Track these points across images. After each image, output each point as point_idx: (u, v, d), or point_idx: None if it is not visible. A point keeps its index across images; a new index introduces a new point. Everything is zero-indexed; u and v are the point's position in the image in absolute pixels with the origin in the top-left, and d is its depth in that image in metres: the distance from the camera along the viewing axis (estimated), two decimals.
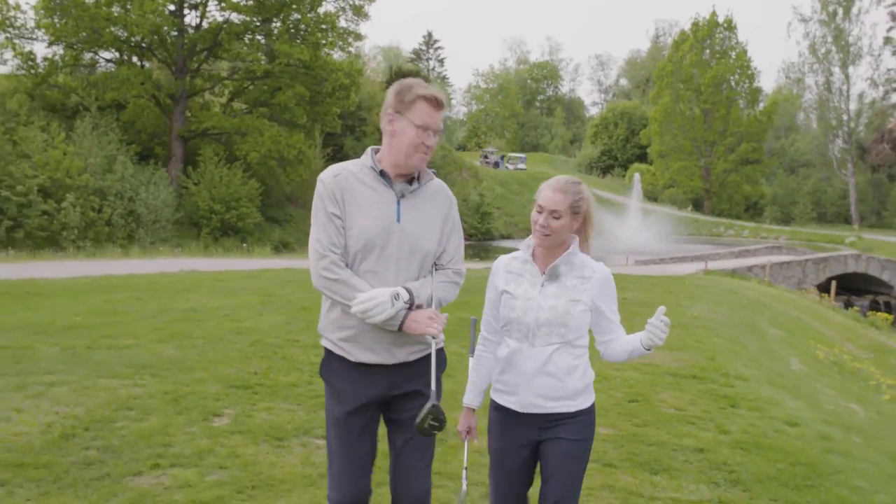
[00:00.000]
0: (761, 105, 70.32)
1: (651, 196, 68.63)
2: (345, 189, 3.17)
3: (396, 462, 3.32)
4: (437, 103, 3.18)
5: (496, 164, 67.02)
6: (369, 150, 3.30)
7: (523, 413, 3.28)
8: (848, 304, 24.27)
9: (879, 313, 21.60)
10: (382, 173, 3.20)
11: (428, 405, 3.02)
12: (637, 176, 64.15)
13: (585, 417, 3.29)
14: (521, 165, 68.24)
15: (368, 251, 3.14)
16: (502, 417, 3.34)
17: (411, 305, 3.12)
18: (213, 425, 5.62)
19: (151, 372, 6.82)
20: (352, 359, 3.20)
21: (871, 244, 44.64)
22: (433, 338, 3.12)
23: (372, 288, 3.08)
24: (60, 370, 6.66)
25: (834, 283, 24.74)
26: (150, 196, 29.45)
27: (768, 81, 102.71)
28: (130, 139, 32.59)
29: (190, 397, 6.10)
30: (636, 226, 45.47)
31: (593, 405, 3.35)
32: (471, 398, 3.47)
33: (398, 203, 3.20)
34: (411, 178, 3.25)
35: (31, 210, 26.12)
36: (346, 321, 3.17)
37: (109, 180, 28.96)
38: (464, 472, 3.62)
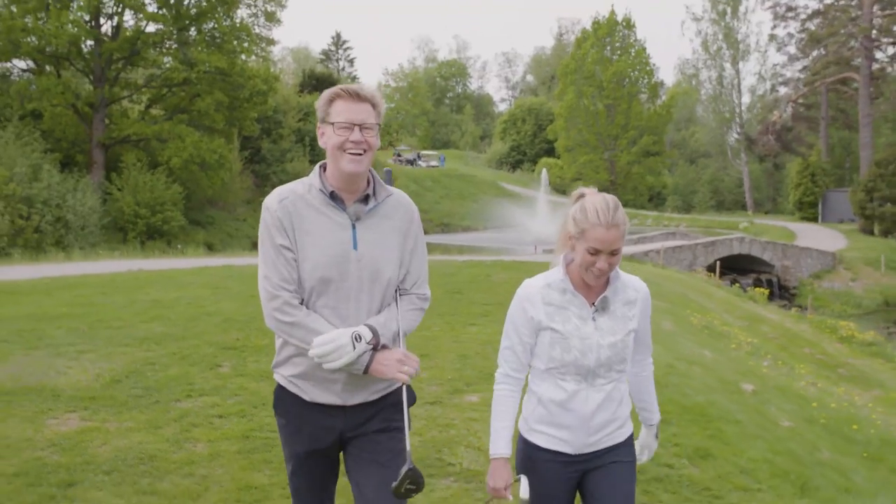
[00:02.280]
0: (662, 99, 73.73)
1: (560, 189, 71.31)
2: (293, 215, 2.88)
3: None
4: (353, 96, 2.89)
5: (410, 162, 68.69)
6: (317, 167, 3.01)
7: (575, 454, 3.06)
8: (734, 282, 26.83)
9: (759, 289, 24.18)
10: (333, 195, 2.92)
11: (404, 469, 2.73)
12: (544, 170, 66.63)
13: (631, 440, 3.17)
14: (434, 163, 69.92)
15: (325, 285, 2.88)
16: (547, 458, 3.06)
17: (376, 346, 2.85)
18: (220, 371, 7.34)
19: (153, 342, 8.44)
20: (306, 397, 2.96)
21: (762, 228, 48.00)
22: (404, 384, 2.88)
23: (333, 326, 2.84)
24: (79, 343, 8.24)
25: (718, 263, 27.38)
26: (77, 203, 30.38)
27: (666, 77, 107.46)
28: (51, 147, 33.32)
29: (193, 356, 7.77)
30: (545, 217, 47.70)
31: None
32: (502, 447, 3.05)
33: (353, 228, 2.92)
34: (366, 197, 2.97)
35: None
36: (301, 358, 2.92)
37: (36, 188, 29.76)
38: None
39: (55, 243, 29.21)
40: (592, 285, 2.98)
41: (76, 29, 34.06)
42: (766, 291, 23.80)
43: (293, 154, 45.35)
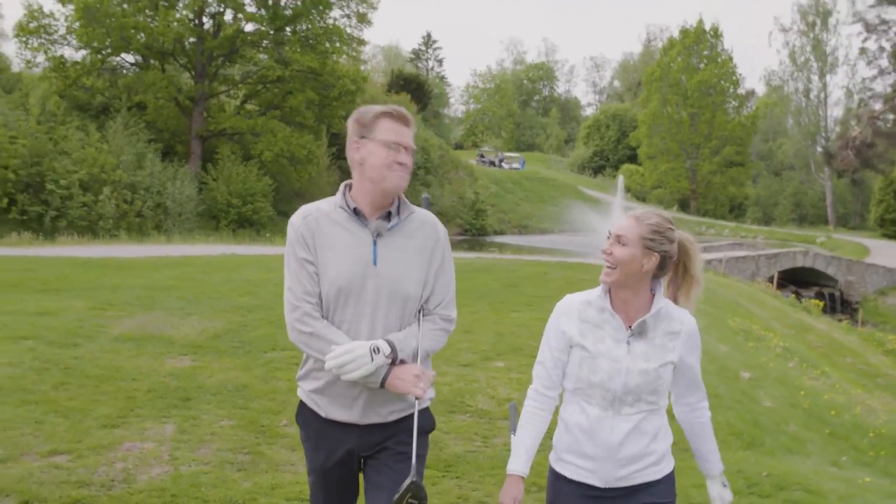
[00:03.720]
0: (750, 109, 73.63)
1: (640, 196, 71.90)
2: (315, 232, 2.96)
3: None
4: (401, 118, 2.99)
5: (492, 164, 69.86)
6: (342, 186, 3.08)
7: (604, 487, 2.95)
8: (795, 294, 27.62)
9: (813, 301, 25.01)
10: (356, 211, 2.97)
11: (407, 481, 2.75)
12: (621, 177, 67.19)
13: (671, 479, 3.03)
14: (515, 165, 70.92)
15: (343, 299, 2.92)
16: (576, 493, 2.98)
17: (394, 360, 2.87)
18: None
19: (246, 310, 10.15)
20: (322, 414, 3.01)
21: (837, 243, 48.08)
22: (417, 399, 2.88)
23: (350, 340, 2.87)
24: (187, 308, 10.03)
25: (777, 274, 28.21)
26: (176, 191, 32.76)
27: (752, 87, 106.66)
28: (153, 138, 35.74)
29: (278, 322, 9.39)
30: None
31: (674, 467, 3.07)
32: (520, 465, 3.02)
33: (374, 243, 2.95)
34: (388, 214, 2.99)
35: (73, 202, 29.33)
36: (319, 373, 2.97)
37: (140, 176, 32.21)
38: None
39: (154, 227, 31.57)
40: (605, 282, 2.92)
41: (181, 27, 36.51)
42: (821, 304, 24.65)
43: None
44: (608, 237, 2.91)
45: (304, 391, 3.05)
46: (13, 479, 4.59)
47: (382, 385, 2.83)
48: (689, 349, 2.97)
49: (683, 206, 70.27)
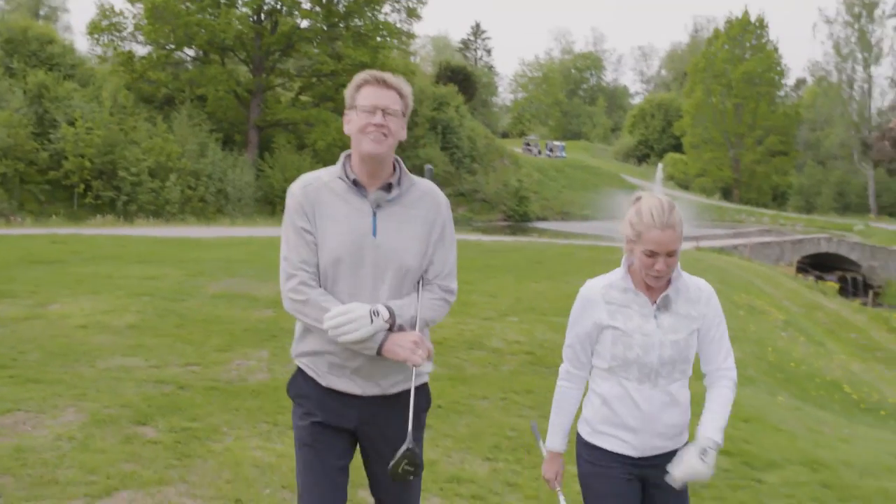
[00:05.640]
0: (799, 96, 74.13)
1: (683, 184, 72.99)
2: (315, 202, 2.91)
3: None
4: (380, 83, 2.92)
5: (539, 152, 71.17)
6: (342, 156, 3.03)
7: (638, 457, 3.05)
8: (819, 279, 29.16)
9: (829, 283, 26.56)
10: (355, 182, 2.92)
11: (403, 448, 2.72)
12: (660, 165, 68.13)
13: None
14: (560, 153, 72.09)
15: (341, 269, 2.87)
16: (610, 461, 3.07)
17: (392, 326, 2.82)
18: None
19: None
20: (322, 382, 2.95)
21: (873, 231, 49.13)
22: (415, 366, 2.81)
23: None
24: (262, 275, 12.15)
25: (798, 259, 29.78)
26: (236, 178, 35.16)
27: (795, 79, 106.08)
28: (214, 128, 38.06)
29: None
30: None
31: None
32: (557, 441, 3.21)
33: (374, 215, 2.91)
34: (389, 185, 2.95)
35: (142, 188, 31.82)
36: (320, 344, 2.90)
37: (202, 164, 34.66)
38: None
39: (216, 211, 33.96)
40: (654, 287, 2.99)
41: (241, 24, 38.86)
42: (837, 286, 26.23)
43: (426, 140, 49.04)
44: (650, 255, 2.88)
45: (302, 361, 3.01)
46: (168, 376, 6.71)
47: (379, 352, 2.79)
48: (711, 313, 3.05)
49: (726, 194, 71.17)
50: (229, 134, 40.05)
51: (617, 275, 3.08)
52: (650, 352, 2.96)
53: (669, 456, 3.01)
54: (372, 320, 2.75)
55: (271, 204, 37.71)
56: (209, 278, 11.82)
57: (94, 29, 38.78)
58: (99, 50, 40.40)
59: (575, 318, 3.13)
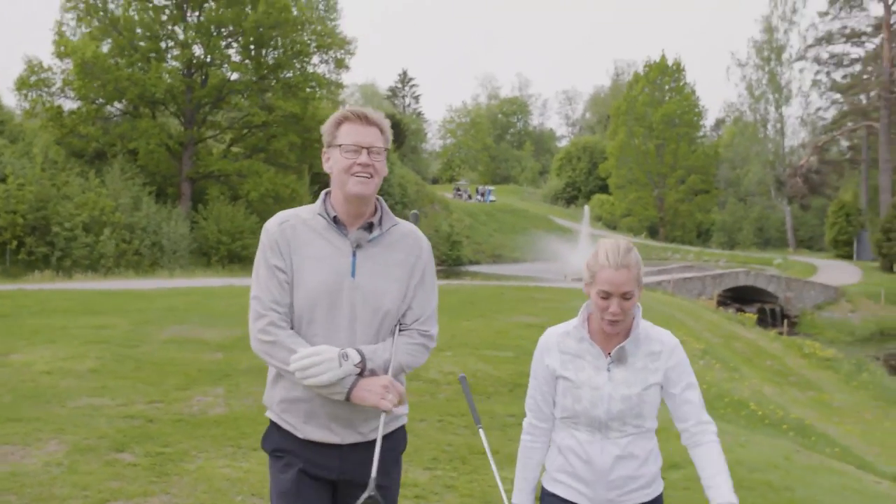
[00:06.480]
0: (718, 136, 77.02)
1: (611, 225, 75.04)
2: (291, 239, 2.82)
3: None
4: (361, 119, 2.84)
5: (470, 197, 72.55)
6: (322, 194, 2.95)
7: None
8: (739, 311, 30.59)
9: (748, 314, 27.99)
10: (335, 220, 2.84)
11: (364, 496, 2.63)
12: (586, 207, 69.78)
13: (659, 501, 3.04)
14: (492, 198, 73.41)
15: (316, 311, 2.77)
16: None
17: (363, 371, 2.72)
18: None
19: None
20: (299, 435, 2.82)
21: (791, 264, 51.32)
22: (386, 413, 2.73)
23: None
24: (208, 322, 12.77)
25: (718, 292, 31.33)
26: (170, 230, 35.49)
27: (714, 119, 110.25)
28: (147, 181, 38.30)
29: None
30: (585, 251, 51.48)
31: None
32: (523, 498, 3.10)
33: (353, 254, 2.82)
34: (370, 225, 2.87)
35: (76, 243, 31.94)
36: (294, 392, 2.79)
37: (137, 217, 34.91)
38: None
39: (152, 264, 34.19)
40: (609, 333, 2.89)
41: (172, 78, 39.41)
42: (754, 317, 27.69)
43: None
44: (604, 297, 2.81)
45: (276, 413, 2.88)
46: (136, 412, 7.38)
47: (348, 397, 2.70)
48: (675, 368, 2.93)
49: (652, 232, 73.21)
50: (162, 187, 40.27)
51: (574, 323, 3.02)
52: (598, 405, 2.89)
53: None
54: (341, 364, 2.66)
55: (206, 255, 38.00)
56: (157, 326, 12.43)
57: (23, 85, 38.85)
58: (27, 105, 40.46)
59: (533, 369, 3.07)
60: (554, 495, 3.00)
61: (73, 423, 6.82)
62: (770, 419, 11.36)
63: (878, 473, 9.37)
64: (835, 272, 46.58)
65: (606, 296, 2.80)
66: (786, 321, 33.22)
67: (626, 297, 2.80)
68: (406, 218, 3.09)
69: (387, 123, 2.91)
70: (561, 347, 2.98)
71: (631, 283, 2.80)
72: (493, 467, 3.12)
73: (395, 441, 2.91)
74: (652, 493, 2.98)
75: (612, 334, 2.90)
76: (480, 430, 3.22)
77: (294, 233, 2.83)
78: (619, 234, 66.72)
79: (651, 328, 2.99)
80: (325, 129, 2.90)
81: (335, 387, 2.67)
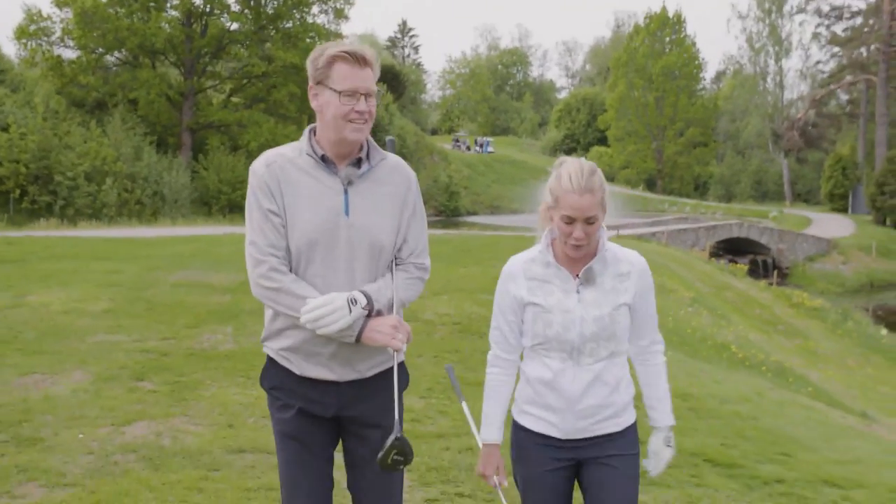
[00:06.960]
0: (719, 88, 76.96)
1: (609, 176, 75.13)
2: (281, 180, 2.76)
3: None
4: (358, 60, 2.71)
5: (468, 148, 72.76)
6: (307, 131, 2.86)
7: (564, 439, 2.92)
8: (732, 262, 31.16)
9: (739, 265, 28.57)
10: (324, 158, 2.79)
11: (391, 438, 2.63)
12: (582, 159, 69.78)
13: (633, 430, 2.99)
14: (488, 149, 73.53)
15: (313, 252, 2.75)
16: (535, 441, 2.95)
17: (370, 312, 2.73)
18: None
19: None
20: (297, 372, 2.83)
21: (786, 217, 51.81)
22: (396, 351, 2.74)
23: (321, 294, 2.69)
24: (215, 267, 13.27)
25: (711, 244, 31.87)
26: (171, 180, 35.88)
27: (714, 72, 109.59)
28: (147, 131, 38.61)
29: None
30: None
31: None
32: (492, 433, 2.99)
33: (345, 192, 2.79)
34: (359, 160, 2.82)
35: (79, 192, 32.38)
36: (293, 330, 2.78)
37: (138, 167, 35.29)
38: None
39: (153, 214, 34.64)
40: (574, 258, 2.86)
41: (171, 28, 39.50)
42: (745, 268, 28.25)
43: None
44: (567, 222, 2.76)
45: (274, 350, 2.87)
46: (151, 347, 7.94)
47: (358, 339, 2.70)
48: (642, 290, 2.93)
49: (650, 185, 73.54)
50: (163, 137, 40.53)
51: (538, 249, 2.95)
52: (570, 329, 2.84)
53: (607, 439, 2.92)
54: (350, 310, 2.65)
55: (207, 205, 38.44)
56: (165, 271, 12.95)
57: (22, 34, 38.95)
58: (26, 54, 40.52)
59: (498, 300, 3.00)
60: (524, 428, 2.97)
61: (93, 356, 7.37)
62: (750, 361, 11.92)
63: (846, 410, 9.95)
64: (829, 225, 47.12)
65: (570, 221, 2.76)
66: (776, 272, 33.80)
67: (589, 221, 2.75)
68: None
69: (377, 59, 2.82)
70: (527, 274, 2.93)
71: (595, 208, 2.75)
72: (473, 429, 3.09)
73: (399, 379, 2.84)
74: (622, 423, 2.94)
75: (577, 258, 2.87)
76: (463, 404, 3.19)
77: (283, 173, 2.77)
78: (615, 186, 66.86)
79: (619, 249, 2.95)
80: (315, 63, 2.77)
81: (346, 331, 2.67)
